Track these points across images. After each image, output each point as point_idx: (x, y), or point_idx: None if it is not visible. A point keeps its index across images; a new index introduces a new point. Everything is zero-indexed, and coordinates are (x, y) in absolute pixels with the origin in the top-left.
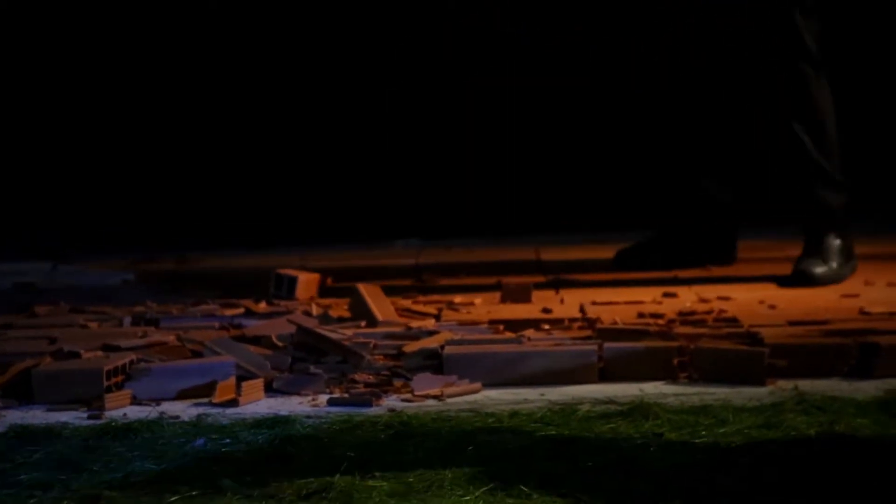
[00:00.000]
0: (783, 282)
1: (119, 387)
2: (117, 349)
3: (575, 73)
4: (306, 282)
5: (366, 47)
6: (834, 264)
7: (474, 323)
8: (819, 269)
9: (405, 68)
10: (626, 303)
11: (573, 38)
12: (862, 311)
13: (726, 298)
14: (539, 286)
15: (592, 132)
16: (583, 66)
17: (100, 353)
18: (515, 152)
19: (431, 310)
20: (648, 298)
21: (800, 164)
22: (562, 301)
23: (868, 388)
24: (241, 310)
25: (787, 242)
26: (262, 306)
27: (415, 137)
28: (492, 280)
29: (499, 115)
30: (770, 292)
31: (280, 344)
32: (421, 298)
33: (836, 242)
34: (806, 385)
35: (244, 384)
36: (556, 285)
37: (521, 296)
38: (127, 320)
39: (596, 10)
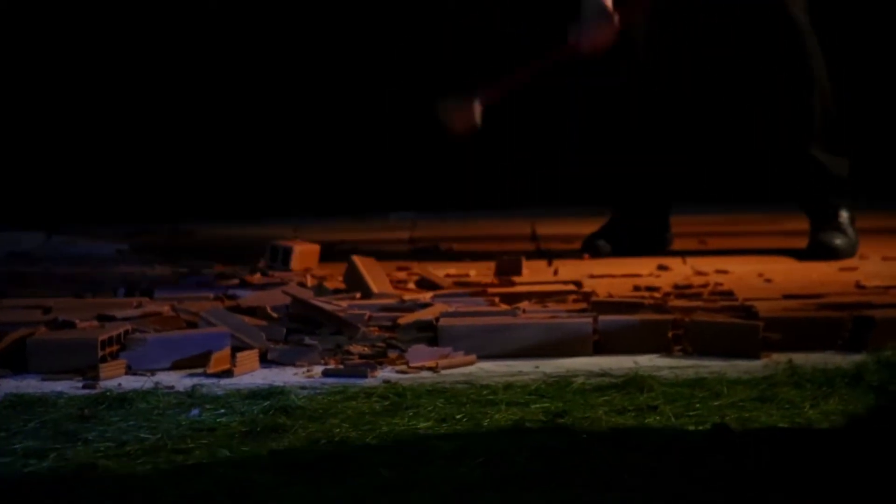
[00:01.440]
0: (802, 255)
1: (114, 357)
2: (112, 319)
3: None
4: (301, 253)
5: (360, 25)
6: (851, 235)
7: (478, 293)
8: (839, 241)
9: (402, 46)
10: (622, 276)
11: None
12: (857, 285)
13: (723, 272)
14: (531, 258)
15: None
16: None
17: (94, 322)
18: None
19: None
20: (644, 271)
21: (807, 135)
22: (555, 273)
23: (861, 361)
24: (236, 281)
25: (781, 216)
26: (257, 277)
27: (410, 109)
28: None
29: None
30: (766, 265)
31: (275, 315)
32: (416, 269)
33: (848, 213)
34: (800, 358)
35: (239, 355)
36: (550, 257)
37: (513, 268)
38: (122, 291)
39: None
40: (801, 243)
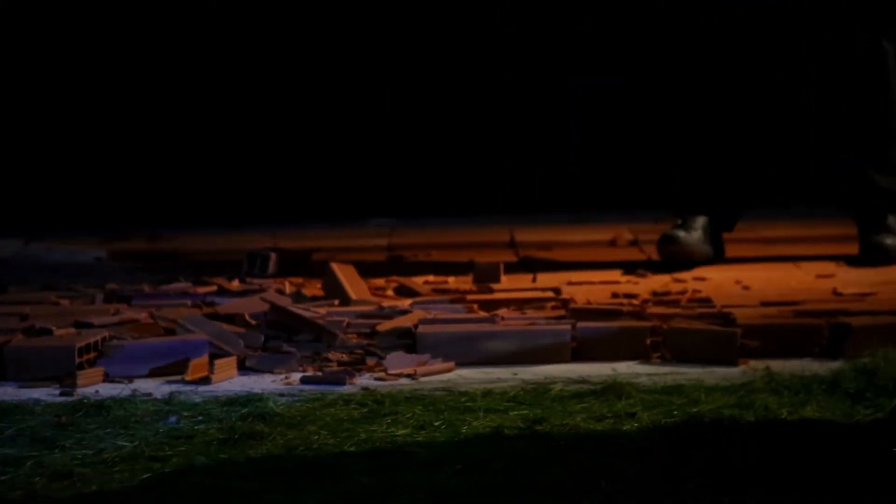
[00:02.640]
0: (855, 260)
1: (91, 364)
2: (90, 326)
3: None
4: (279, 260)
5: (347, 31)
6: None
7: (457, 300)
8: (890, 241)
9: (382, 51)
10: (601, 282)
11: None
12: (835, 292)
13: (701, 279)
14: (511, 266)
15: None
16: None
17: (72, 330)
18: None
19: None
20: (623, 278)
21: (873, 158)
22: (534, 280)
23: (838, 368)
24: (214, 288)
25: (757, 223)
26: (235, 284)
27: (391, 116)
28: (465, 259)
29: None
30: (745, 273)
31: (253, 322)
32: (395, 278)
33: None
34: (778, 365)
35: (217, 362)
36: (529, 266)
37: (492, 275)
38: (99, 297)
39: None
40: (779, 250)
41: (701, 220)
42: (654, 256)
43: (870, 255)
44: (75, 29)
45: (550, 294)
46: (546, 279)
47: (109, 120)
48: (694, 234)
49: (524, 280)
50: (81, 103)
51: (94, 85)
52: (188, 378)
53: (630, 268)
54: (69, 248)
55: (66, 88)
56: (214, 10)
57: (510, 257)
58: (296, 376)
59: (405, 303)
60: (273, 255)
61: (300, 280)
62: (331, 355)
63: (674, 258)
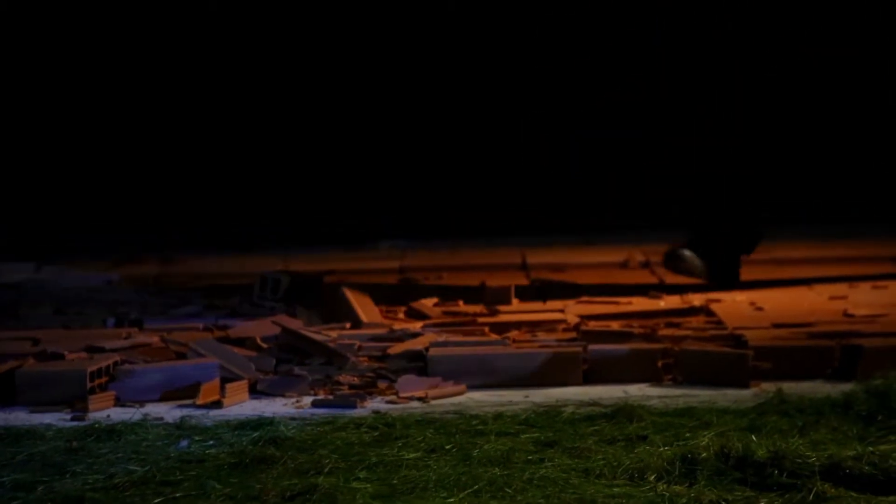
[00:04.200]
0: None
1: (103, 388)
2: (101, 350)
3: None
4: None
5: (350, 48)
6: None
7: (468, 323)
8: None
9: (392, 71)
10: (613, 303)
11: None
12: (846, 314)
13: (715, 300)
14: (522, 289)
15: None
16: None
17: (83, 354)
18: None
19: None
20: (635, 300)
21: None
22: (544, 302)
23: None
24: (226, 311)
25: (771, 245)
26: (247, 308)
27: (403, 140)
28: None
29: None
30: (757, 294)
31: (264, 345)
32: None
33: None
34: (790, 387)
35: (228, 386)
36: (541, 288)
37: (502, 298)
38: (111, 321)
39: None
40: (791, 272)
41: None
42: (666, 278)
43: None
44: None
45: (561, 316)
46: (557, 301)
47: (122, 144)
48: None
49: (535, 302)
50: (94, 128)
51: (108, 109)
52: (199, 402)
53: (642, 290)
54: (81, 271)
55: (79, 112)
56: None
57: (522, 279)
58: (307, 400)
59: (416, 326)
60: (284, 278)
61: (312, 303)
62: (342, 378)
63: (677, 272)
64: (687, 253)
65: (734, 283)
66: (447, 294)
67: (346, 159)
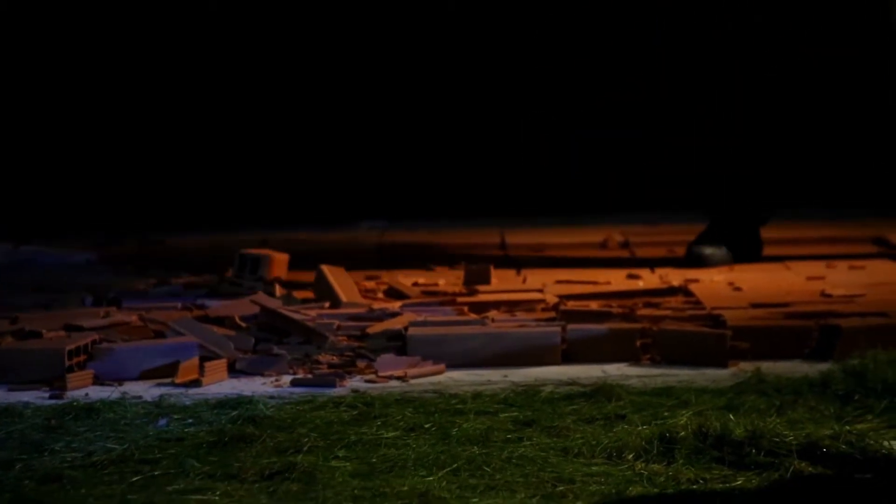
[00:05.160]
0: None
1: (81, 367)
2: (79, 329)
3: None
4: (271, 262)
5: (332, 31)
6: None
7: (447, 302)
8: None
9: (376, 56)
10: (589, 282)
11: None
12: (823, 294)
13: (693, 280)
14: (500, 266)
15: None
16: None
17: (62, 332)
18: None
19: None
20: (613, 280)
21: None
22: (524, 282)
23: (827, 370)
24: (205, 290)
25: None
26: (226, 287)
27: (382, 119)
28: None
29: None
30: (736, 274)
31: (243, 324)
32: (385, 278)
33: None
34: (768, 367)
35: (207, 365)
36: (520, 268)
37: (482, 278)
38: (89, 300)
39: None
40: (769, 251)
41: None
42: (644, 256)
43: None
44: (64, 33)
45: (540, 296)
46: (536, 281)
47: (100, 124)
48: (723, 246)
49: (515, 282)
50: (71, 107)
51: (85, 89)
52: (178, 381)
53: (620, 269)
54: (59, 250)
55: (57, 93)
56: (206, 14)
57: (501, 259)
58: (286, 379)
59: (395, 305)
60: (264, 258)
61: (291, 282)
62: (321, 358)
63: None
64: (707, 251)
65: (760, 254)
66: (427, 272)
67: (326, 140)
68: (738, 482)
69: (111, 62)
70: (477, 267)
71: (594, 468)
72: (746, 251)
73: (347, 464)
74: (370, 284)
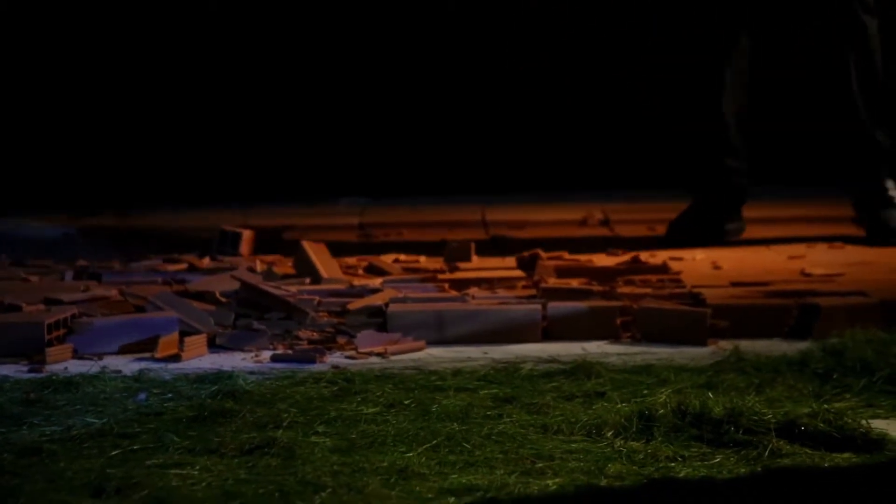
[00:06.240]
0: (870, 240)
1: (61, 341)
2: (59, 303)
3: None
4: (251, 238)
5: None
6: None
7: (428, 279)
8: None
9: (353, 31)
10: (571, 260)
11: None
12: (803, 273)
13: (675, 258)
14: (482, 245)
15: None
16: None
17: (41, 306)
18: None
19: None
20: (596, 258)
21: (872, 121)
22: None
23: (806, 348)
24: (185, 265)
25: None
26: (206, 262)
27: (363, 95)
28: (436, 238)
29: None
30: (716, 253)
31: (224, 300)
32: (366, 257)
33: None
34: (746, 345)
35: (187, 339)
36: (500, 245)
37: (463, 255)
38: (69, 274)
39: None
40: (751, 231)
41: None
42: (624, 234)
43: (885, 235)
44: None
45: (521, 273)
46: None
47: (79, 97)
48: (703, 224)
49: (495, 259)
50: (49, 81)
51: (64, 64)
52: (158, 355)
53: (601, 247)
54: (38, 224)
55: (34, 67)
56: None
57: (482, 236)
58: (266, 354)
59: (376, 282)
60: (245, 233)
61: (271, 258)
62: (301, 333)
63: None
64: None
65: (741, 233)
66: (407, 249)
67: (306, 115)
68: (717, 460)
69: (90, 36)
70: (458, 243)
71: (573, 445)
72: (728, 231)
73: (327, 439)
74: (351, 261)
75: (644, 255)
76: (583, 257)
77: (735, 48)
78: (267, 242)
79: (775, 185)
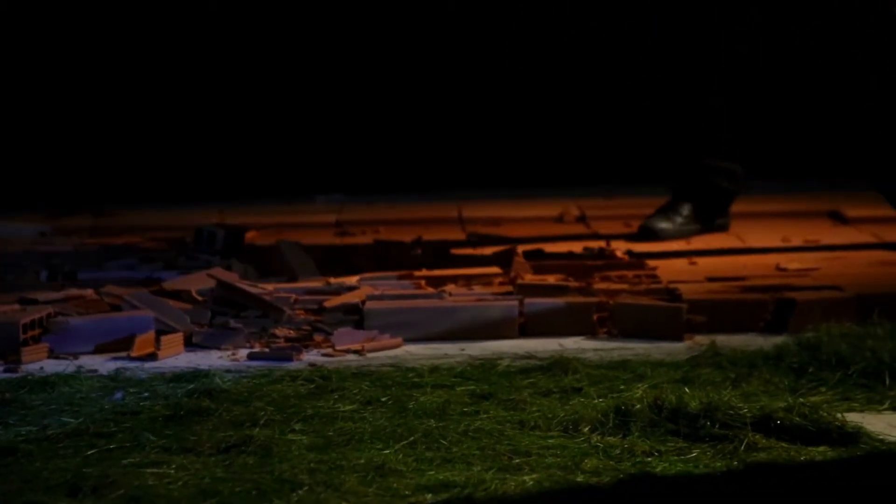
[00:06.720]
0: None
1: (36, 340)
2: (34, 302)
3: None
4: (226, 236)
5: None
6: None
7: (404, 276)
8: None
9: (332, 29)
10: (549, 257)
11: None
12: (778, 268)
13: (654, 255)
14: (459, 243)
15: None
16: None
17: (16, 306)
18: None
19: None
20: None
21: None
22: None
23: (782, 343)
24: (161, 264)
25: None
26: (182, 260)
27: (339, 93)
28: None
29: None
30: (693, 247)
31: (200, 298)
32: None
33: None
34: (723, 340)
35: (163, 338)
36: (477, 242)
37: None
38: (44, 273)
39: None
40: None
41: (686, 205)
42: (601, 231)
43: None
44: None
45: (497, 270)
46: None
47: (56, 97)
48: (676, 220)
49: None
50: (26, 80)
51: (40, 63)
52: (134, 354)
53: (577, 243)
54: (13, 223)
55: (12, 66)
56: None
57: (458, 233)
58: (243, 352)
59: (352, 279)
60: (221, 232)
61: (247, 256)
62: (278, 331)
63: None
64: (661, 225)
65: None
66: (384, 248)
67: (282, 112)
68: (693, 454)
69: (66, 35)
70: (434, 241)
71: (550, 441)
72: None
73: (304, 437)
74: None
75: (620, 251)
76: (560, 252)
77: (731, 48)
78: (243, 240)
79: (751, 179)
